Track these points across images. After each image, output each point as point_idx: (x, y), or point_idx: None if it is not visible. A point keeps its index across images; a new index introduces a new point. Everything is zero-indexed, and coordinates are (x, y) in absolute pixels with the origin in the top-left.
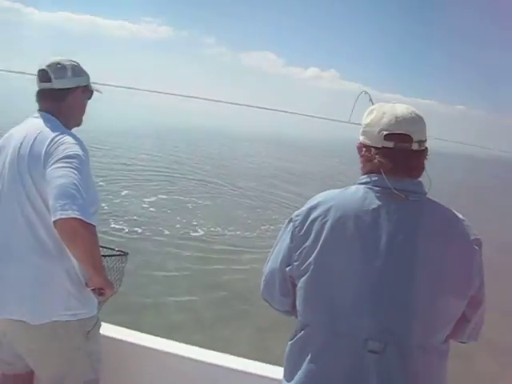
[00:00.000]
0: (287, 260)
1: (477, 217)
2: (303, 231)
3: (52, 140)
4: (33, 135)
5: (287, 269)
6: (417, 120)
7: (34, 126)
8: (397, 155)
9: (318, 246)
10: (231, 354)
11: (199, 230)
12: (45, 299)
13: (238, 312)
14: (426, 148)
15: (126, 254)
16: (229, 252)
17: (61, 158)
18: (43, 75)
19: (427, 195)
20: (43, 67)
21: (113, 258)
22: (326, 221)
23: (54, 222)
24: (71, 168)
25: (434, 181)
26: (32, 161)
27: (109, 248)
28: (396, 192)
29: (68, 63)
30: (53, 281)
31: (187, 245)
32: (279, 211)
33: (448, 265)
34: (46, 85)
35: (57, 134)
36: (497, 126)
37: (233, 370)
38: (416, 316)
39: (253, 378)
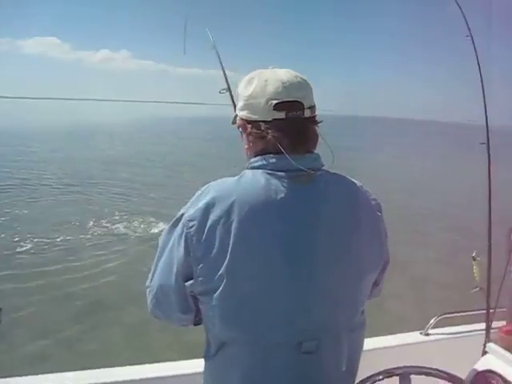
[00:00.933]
0: (184, 273)
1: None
2: (203, 239)
3: None
4: None
5: (187, 284)
6: (304, 84)
7: None
8: (291, 127)
9: (228, 255)
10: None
11: (24, 244)
12: None
13: (100, 320)
14: (316, 115)
15: None
16: (65, 260)
17: None
18: None
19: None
20: None
21: None
22: (231, 222)
23: None
24: None
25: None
26: None
27: None
28: (304, 172)
29: None
30: None
31: (16, 263)
32: (110, 203)
33: (363, 245)
34: None
35: None
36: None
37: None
38: (343, 304)
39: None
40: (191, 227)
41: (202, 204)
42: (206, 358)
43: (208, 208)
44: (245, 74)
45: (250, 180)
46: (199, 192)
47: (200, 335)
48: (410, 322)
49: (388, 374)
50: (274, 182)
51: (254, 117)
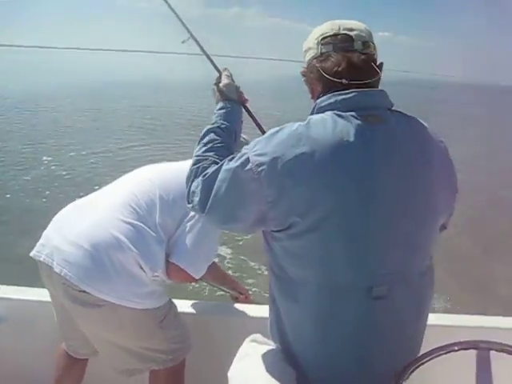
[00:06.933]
0: (254, 218)
1: None
2: (274, 184)
3: None
4: None
5: (256, 228)
6: (359, 25)
7: None
8: (341, 58)
9: (301, 198)
10: None
11: None
12: None
13: None
14: (375, 54)
15: None
16: None
17: None
18: None
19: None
20: None
21: None
22: (302, 165)
23: None
24: None
25: None
26: None
27: None
28: (375, 110)
29: None
30: None
31: None
32: None
33: (436, 186)
34: None
35: None
36: (421, 51)
37: None
38: (415, 247)
39: None
40: (261, 172)
41: (271, 148)
42: (274, 300)
43: (277, 152)
44: None
45: (319, 123)
46: (267, 135)
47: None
48: None
49: (465, 345)
50: (344, 123)
51: (308, 58)
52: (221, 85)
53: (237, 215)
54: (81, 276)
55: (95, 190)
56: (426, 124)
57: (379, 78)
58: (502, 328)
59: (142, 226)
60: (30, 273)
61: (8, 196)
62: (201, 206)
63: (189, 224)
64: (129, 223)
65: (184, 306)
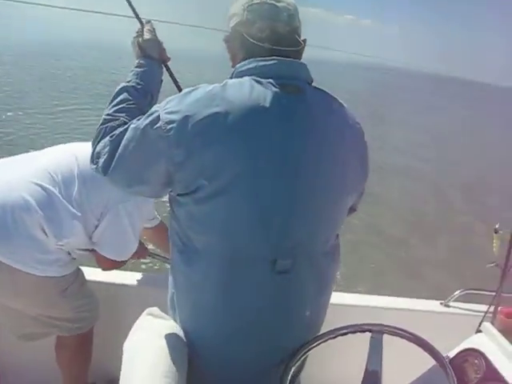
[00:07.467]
0: (160, 180)
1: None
2: (183, 144)
3: None
4: None
5: (163, 190)
6: None
7: None
8: (267, 25)
9: (210, 159)
10: None
11: None
12: None
13: None
14: (299, 29)
15: None
16: None
17: None
18: None
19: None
20: None
21: None
22: (214, 126)
23: None
24: None
25: (332, 90)
26: None
27: None
28: (292, 81)
29: None
30: None
31: None
32: None
33: (348, 163)
34: None
35: None
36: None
37: None
38: (322, 223)
39: None
40: (170, 130)
41: (183, 106)
42: (174, 269)
43: (189, 111)
44: None
45: (236, 86)
46: (181, 93)
47: None
48: (443, 291)
49: (359, 328)
50: (261, 89)
51: (232, 24)
52: (141, 39)
53: (143, 176)
54: None
55: (27, 151)
56: (345, 104)
57: (302, 51)
58: (394, 308)
59: (55, 192)
60: None
61: None
62: (105, 166)
63: (112, 212)
64: (40, 186)
65: (93, 273)
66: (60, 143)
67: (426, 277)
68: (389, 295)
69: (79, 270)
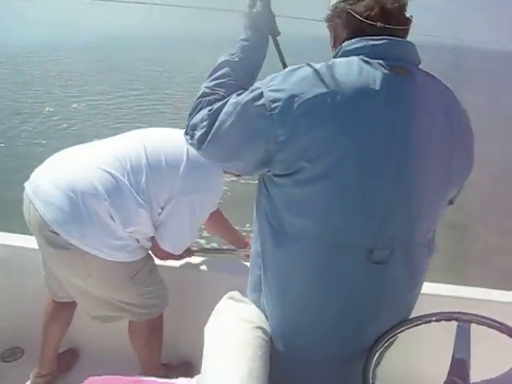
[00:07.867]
0: (259, 158)
1: None
2: (287, 123)
3: None
4: None
5: (260, 171)
6: None
7: None
8: (375, 2)
9: (315, 142)
10: None
11: None
12: None
13: None
14: (407, 5)
15: None
16: None
17: None
18: None
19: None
20: None
21: None
22: (320, 106)
23: None
24: None
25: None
26: None
27: None
28: (403, 63)
29: None
30: None
31: None
32: None
33: (455, 154)
34: None
35: None
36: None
37: None
38: (423, 215)
39: None
40: (274, 109)
41: (289, 85)
42: (263, 251)
43: (296, 90)
44: None
45: (345, 66)
46: (286, 71)
47: None
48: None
49: (445, 316)
50: (371, 69)
51: (335, 1)
52: (255, 10)
53: (240, 153)
54: (54, 217)
55: (92, 141)
56: (451, 89)
57: (408, 30)
58: (480, 300)
59: (123, 180)
60: (23, 219)
61: (2, 145)
62: (200, 139)
63: (175, 203)
64: (109, 173)
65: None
66: (122, 132)
67: (495, 265)
68: (465, 285)
69: (149, 256)
